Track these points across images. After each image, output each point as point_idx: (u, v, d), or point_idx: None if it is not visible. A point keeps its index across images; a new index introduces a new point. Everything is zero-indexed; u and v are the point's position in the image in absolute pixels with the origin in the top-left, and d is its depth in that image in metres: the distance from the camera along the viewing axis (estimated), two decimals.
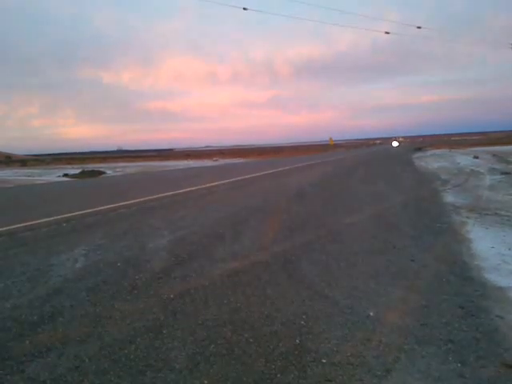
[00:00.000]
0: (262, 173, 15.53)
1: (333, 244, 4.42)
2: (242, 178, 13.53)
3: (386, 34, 20.10)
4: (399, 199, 7.59)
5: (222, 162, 35.55)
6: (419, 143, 72.63)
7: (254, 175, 14.55)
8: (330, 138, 43.95)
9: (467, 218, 5.72)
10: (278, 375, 2.00)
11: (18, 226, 5.75)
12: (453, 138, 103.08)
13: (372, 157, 30.00)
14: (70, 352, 2.23)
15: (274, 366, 2.08)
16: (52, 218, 6.28)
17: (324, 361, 2.12)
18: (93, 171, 24.51)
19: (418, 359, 2.11)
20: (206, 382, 1.96)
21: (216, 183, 11.54)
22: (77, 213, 6.78)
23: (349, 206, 7.08)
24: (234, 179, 12.86)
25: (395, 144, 70.25)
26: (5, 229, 5.55)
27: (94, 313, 2.73)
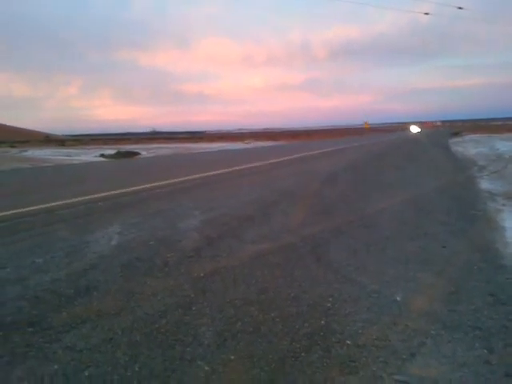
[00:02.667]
0: (292, 156, 15.46)
1: (363, 228, 4.40)
2: (272, 161, 13.52)
3: (426, 15, 19.35)
4: (433, 185, 7.41)
5: (253, 144, 35.54)
6: (457, 128, 67.20)
7: (283, 158, 14.51)
8: (366, 122, 42.96)
9: (503, 205, 5.54)
10: (303, 354, 2.04)
11: (57, 203, 6.00)
12: (493, 123, 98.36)
13: (407, 141, 29.25)
14: (103, 324, 2.35)
15: (298, 346, 2.12)
16: (88, 197, 6.51)
17: (349, 342, 2.14)
18: (128, 152, 25.02)
19: (444, 344, 2.10)
20: (232, 357, 2.02)
21: (245, 166, 11.59)
22: (113, 192, 7.00)
23: (381, 190, 6.98)
24: (263, 162, 12.87)
25: (414, 130, 55.96)
26: (44, 206, 5.81)
27: (127, 288, 2.84)
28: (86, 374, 1.89)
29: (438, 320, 2.36)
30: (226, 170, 10.52)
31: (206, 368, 1.93)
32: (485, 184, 7.49)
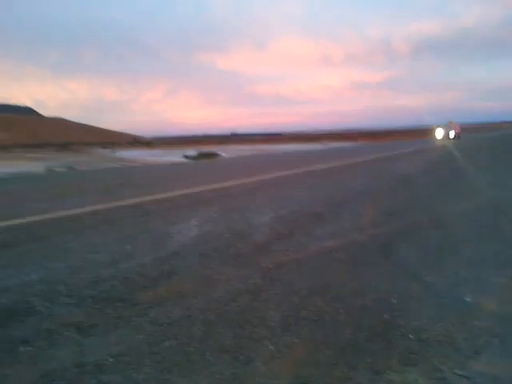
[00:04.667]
0: (367, 157, 15.16)
1: (436, 230, 4.30)
2: (347, 162, 13.39)
3: None
4: None
5: (330, 145, 35.20)
6: None
7: (358, 160, 14.28)
8: (451, 122, 38.79)
9: None
10: (364, 343, 2.13)
11: (146, 198, 6.58)
12: None
13: (496, 141, 27.15)
14: (183, 304, 2.62)
15: (360, 336, 2.21)
16: (172, 194, 7.04)
17: (411, 336, 2.19)
18: (208, 153, 26.13)
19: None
20: (295, 340, 2.17)
21: (318, 166, 11.62)
22: (194, 190, 7.49)
23: (460, 193, 6.67)
24: (337, 163, 12.80)
25: (439, 135, 35.63)
26: (133, 201, 6.40)
27: (204, 274, 3.12)
28: (167, 344, 2.15)
29: (509, 322, 2.31)
30: (300, 170, 10.65)
31: (271, 347, 2.10)
32: None
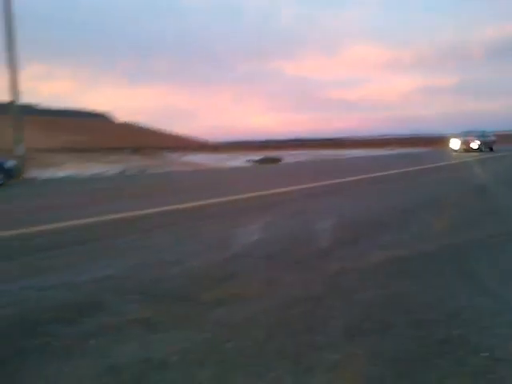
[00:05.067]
0: (434, 164, 14.44)
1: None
2: (413, 168, 12.85)
3: None
4: None
5: (396, 151, 34.01)
6: None
7: (423, 167, 13.66)
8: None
9: None
10: (433, 359, 2.02)
11: (208, 202, 6.78)
12: None
13: None
14: (245, 306, 2.65)
15: (428, 351, 2.09)
16: (236, 197, 7.19)
17: (485, 354, 2.04)
18: (271, 158, 26.29)
19: None
20: (359, 351, 2.11)
21: (381, 173, 11.27)
22: (256, 194, 7.59)
23: None
24: (401, 170, 12.33)
25: (455, 145, 26.73)
26: (197, 203, 6.62)
27: (266, 277, 3.14)
28: (229, 345, 2.18)
29: None
30: (363, 177, 10.40)
31: (333, 357, 2.05)
32: None
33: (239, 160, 26.33)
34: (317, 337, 2.25)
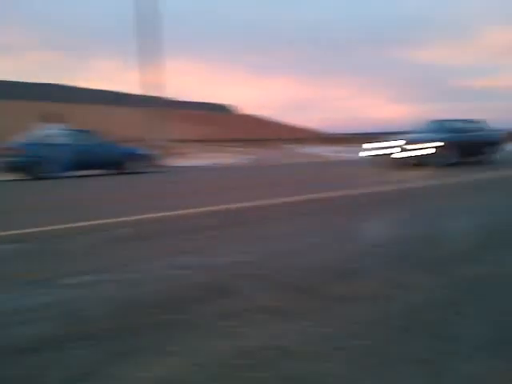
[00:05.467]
0: None
1: None
2: None
3: None
4: None
5: None
6: None
7: None
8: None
9: None
10: None
11: (323, 195, 6.84)
12: None
13: None
14: (375, 305, 2.58)
15: None
16: (352, 192, 7.08)
17: None
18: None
19: None
20: (503, 365, 1.90)
21: None
22: (372, 190, 7.41)
23: None
24: None
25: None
26: (304, 197, 6.75)
27: (398, 277, 3.03)
28: (355, 343, 2.12)
29: None
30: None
31: (471, 368, 1.89)
32: None
33: (355, 152, 25.67)
34: (453, 344, 2.08)
